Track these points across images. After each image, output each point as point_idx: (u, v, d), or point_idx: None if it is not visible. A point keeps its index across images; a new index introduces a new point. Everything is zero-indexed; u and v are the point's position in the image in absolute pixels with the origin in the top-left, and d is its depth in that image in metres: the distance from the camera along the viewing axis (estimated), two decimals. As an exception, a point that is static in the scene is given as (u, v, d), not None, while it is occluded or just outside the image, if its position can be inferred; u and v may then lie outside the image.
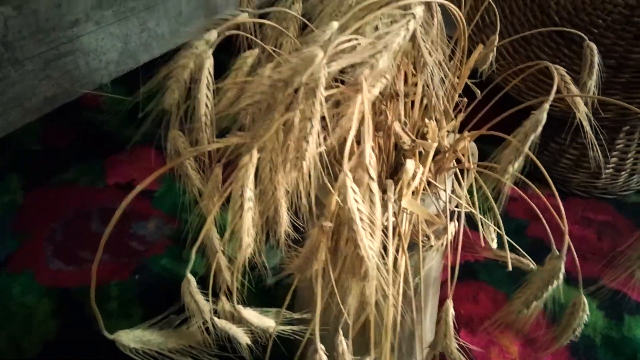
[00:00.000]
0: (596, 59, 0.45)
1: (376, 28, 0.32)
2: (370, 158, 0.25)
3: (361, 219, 0.24)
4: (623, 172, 0.81)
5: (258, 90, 0.30)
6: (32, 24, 0.43)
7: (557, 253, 0.32)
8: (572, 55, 0.72)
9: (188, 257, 0.35)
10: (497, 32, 0.47)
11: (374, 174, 0.25)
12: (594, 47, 0.45)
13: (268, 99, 0.30)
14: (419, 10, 0.29)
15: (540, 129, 0.31)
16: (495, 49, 0.47)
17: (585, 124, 0.36)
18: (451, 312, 0.35)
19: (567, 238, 0.34)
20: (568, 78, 0.38)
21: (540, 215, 0.42)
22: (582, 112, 0.36)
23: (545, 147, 0.83)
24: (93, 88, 0.52)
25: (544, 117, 0.31)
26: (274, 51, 0.38)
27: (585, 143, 0.81)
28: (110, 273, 0.75)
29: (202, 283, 0.77)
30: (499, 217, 0.39)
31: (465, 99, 0.44)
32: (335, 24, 0.29)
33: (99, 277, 0.75)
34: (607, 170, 0.81)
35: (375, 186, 0.25)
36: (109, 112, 1.03)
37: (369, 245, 0.24)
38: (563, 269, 0.32)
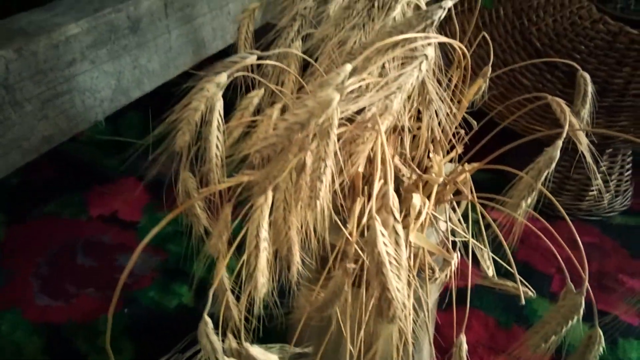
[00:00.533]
0: (589, 88, 0.47)
1: (382, 66, 0.33)
2: (394, 199, 0.25)
3: (390, 262, 0.24)
4: (607, 194, 0.84)
5: (273, 133, 0.30)
6: (32, 65, 0.43)
7: (573, 287, 0.32)
8: (555, 80, 0.74)
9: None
10: (490, 64, 0.49)
11: (398, 216, 0.25)
12: (587, 76, 0.47)
13: (284, 141, 0.30)
14: (431, 51, 0.29)
15: (554, 165, 0.31)
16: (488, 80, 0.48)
17: (588, 155, 0.37)
18: (464, 347, 0.35)
19: (586, 271, 0.34)
20: (567, 110, 0.39)
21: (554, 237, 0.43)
22: (584, 144, 0.37)
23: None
24: (88, 125, 0.51)
25: (557, 154, 0.32)
26: (278, 90, 0.38)
27: (567, 166, 0.84)
28: (98, 307, 0.73)
29: (191, 313, 0.76)
30: (508, 254, 0.39)
31: (464, 131, 0.45)
32: (348, 67, 0.29)
33: (86, 312, 0.73)
34: (591, 193, 0.83)
35: (400, 228, 0.25)
36: (89, 143, 1.02)
37: (397, 287, 0.24)
38: (583, 305, 0.32)
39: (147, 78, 0.57)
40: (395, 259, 0.24)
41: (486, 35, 0.44)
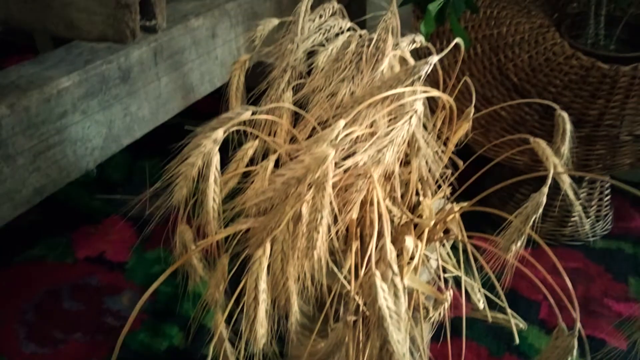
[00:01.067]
0: (568, 126, 0.49)
1: (373, 118, 0.34)
2: (392, 253, 0.26)
3: (390, 316, 0.24)
4: (588, 219, 0.86)
5: (271, 187, 0.31)
6: (24, 120, 0.43)
7: (565, 328, 0.33)
8: (532, 112, 0.77)
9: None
10: (473, 104, 0.51)
11: (396, 269, 0.26)
12: (566, 115, 0.49)
13: (280, 195, 0.31)
14: (420, 106, 0.31)
15: (540, 210, 0.33)
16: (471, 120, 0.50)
17: (571, 194, 0.39)
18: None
19: (577, 310, 0.35)
20: (549, 153, 0.41)
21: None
22: (567, 183, 0.39)
23: (510, 198, 0.87)
24: (79, 174, 0.51)
25: (544, 200, 0.33)
26: (271, 141, 0.39)
27: (549, 194, 0.86)
28: (86, 353, 0.72)
29: (183, 356, 0.75)
30: (498, 287, 0.40)
31: (450, 170, 0.46)
32: (342, 123, 0.31)
33: (75, 359, 0.71)
34: (573, 218, 0.85)
35: (398, 281, 0.26)
36: (74, 183, 1.01)
37: (398, 339, 0.25)
38: (576, 346, 0.33)
39: (138, 125, 0.58)
40: (395, 312, 0.25)
41: (468, 80, 0.46)
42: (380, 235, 0.27)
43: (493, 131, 0.80)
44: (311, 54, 0.45)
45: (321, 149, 0.30)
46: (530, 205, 0.33)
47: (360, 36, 0.44)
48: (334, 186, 0.33)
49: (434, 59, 0.33)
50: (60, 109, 0.48)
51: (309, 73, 0.44)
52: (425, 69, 0.33)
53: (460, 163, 0.47)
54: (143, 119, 0.58)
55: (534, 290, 0.82)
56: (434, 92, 0.33)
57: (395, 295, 0.25)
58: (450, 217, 0.44)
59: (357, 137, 0.34)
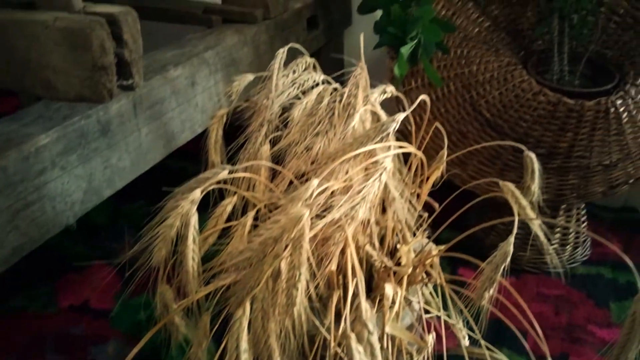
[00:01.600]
0: (536, 166, 0.51)
1: (347, 172, 0.36)
2: (367, 312, 0.27)
3: (368, 378, 0.25)
4: (567, 246, 0.88)
5: (248, 246, 0.32)
6: (2, 179, 0.43)
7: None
8: (506, 146, 0.79)
9: None
10: (446, 146, 0.52)
11: (372, 328, 0.27)
12: (533, 156, 0.51)
13: (258, 254, 0.32)
14: (389, 163, 0.32)
15: (509, 259, 0.34)
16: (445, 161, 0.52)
17: (541, 235, 0.40)
18: None
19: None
20: (517, 193, 0.42)
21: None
22: (537, 225, 0.41)
23: (492, 228, 0.89)
24: (59, 230, 0.51)
25: (511, 249, 0.34)
26: (250, 196, 0.40)
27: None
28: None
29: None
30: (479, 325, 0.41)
31: (426, 214, 0.47)
32: (315, 182, 0.32)
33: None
34: (553, 246, 0.87)
35: (375, 340, 0.27)
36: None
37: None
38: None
39: (119, 176, 0.58)
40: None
41: (439, 126, 0.48)
42: (355, 294, 0.28)
43: (470, 165, 0.82)
44: (288, 106, 0.46)
45: (296, 209, 0.31)
46: (498, 255, 0.34)
47: (335, 89, 0.46)
48: (312, 239, 0.34)
49: (401, 116, 0.35)
50: (38, 167, 0.49)
51: (285, 125, 0.45)
52: (393, 126, 0.34)
53: (436, 205, 0.49)
54: (124, 170, 0.59)
55: (519, 319, 0.83)
56: (404, 148, 0.35)
57: (372, 355, 0.26)
58: (429, 261, 0.45)
59: (333, 191, 0.35)
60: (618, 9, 0.82)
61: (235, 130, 0.45)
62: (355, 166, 0.35)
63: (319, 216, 0.35)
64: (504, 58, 0.81)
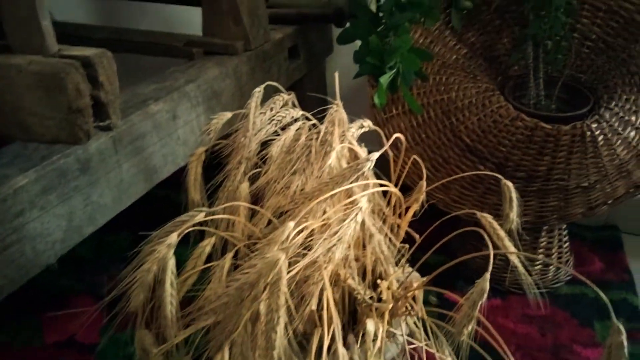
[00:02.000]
0: (514, 194, 0.52)
1: (324, 211, 0.36)
2: (344, 358, 0.27)
3: None
4: (550, 267, 0.88)
5: (225, 291, 0.32)
6: (-21, 224, 0.43)
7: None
8: (487, 171, 0.80)
9: None
10: (425, 178, 0.53)
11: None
12: (510, 184, 0.52)
13: (235, 300, 0.32)
14: (365, 202, 0.33)
15: (485, 295, 0.34)
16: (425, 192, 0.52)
17: (519, 266, 0.40)
18: None
19: None
20: (495, 224, 0.43)
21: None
22: (514, 257, 0.41)
23: (476, 251, 0.89)
24: (40, 270, 0.51)
25: (487, 286, 0.35)
26: (229, 236, 0.40)
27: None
28: None
29: None
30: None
31: (407, 245, 0.48)
32: (291, 224, 0.32)
33: None
34: (536, 267, 0.88)
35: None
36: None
37: None
38: None
39: (100, 213, 0.58)
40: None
41: (418, 159, 0.49)
42: (333, 338, 0.28)
43: (453, 189, 0.83)
44: (267, 142, 0.47)
45: (272, 254, 0.31)
46: (475, 292, 0.35)
47: (314, 125, 0.46)
48: (292, 278, 0.34)
49: (375, 155, 0.35)
50: (17, 208, 0.48)
51: (264, 161, 0.46)
52: (368, 165, 0.35)
53: (416, 237, 0.49)
54: (105, 207, 0.59)
55: (506, 341, 0.83)
56: (380, 186, 0.35)
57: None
58: (410, 294, 0.45)
59: (312, 230, 0.36)
60: (590, 35, 0.85)
61: (215, 167, 0.45)
62: (332, 205, 0.35)
63: (300, 254, 0.36)
64: (482, 84, 0.83)
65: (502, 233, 0.43)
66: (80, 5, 1.34)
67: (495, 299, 0.87)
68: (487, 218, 0.44)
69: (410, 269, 0.54)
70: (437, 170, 0.83)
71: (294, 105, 0.47)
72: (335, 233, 0.32)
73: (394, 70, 0.75)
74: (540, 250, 0.87)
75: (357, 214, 0.32)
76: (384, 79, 0.73)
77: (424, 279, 0.45)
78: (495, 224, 0.44)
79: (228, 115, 0.47)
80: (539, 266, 0.88)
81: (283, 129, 0.48)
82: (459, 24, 0.87)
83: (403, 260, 0.49)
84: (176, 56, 0.85)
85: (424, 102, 0.84)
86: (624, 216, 1.02)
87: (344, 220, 0.32)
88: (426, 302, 0.89)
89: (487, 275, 0.35)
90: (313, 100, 1.11)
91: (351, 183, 0.34)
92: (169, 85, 0.72)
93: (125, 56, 0.96)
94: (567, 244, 0.91)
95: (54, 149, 0.54)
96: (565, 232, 0.90)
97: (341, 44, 0.82)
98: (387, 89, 0.75)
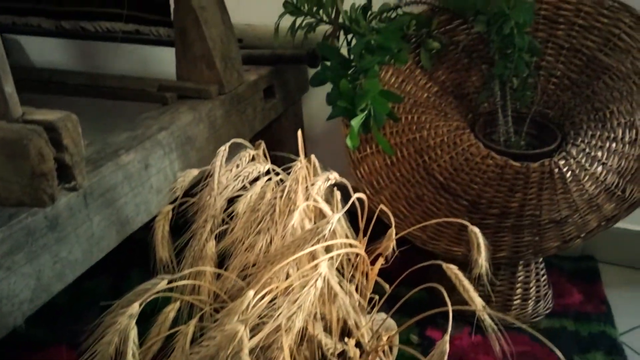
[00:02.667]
0: (481, 240, 0.52)
1: (287, 275, 0.36)
2: None
3: None
4: (529, 301, 0.89)
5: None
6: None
7: None
8: (461, 207, 0.81)
9: None
10: (393, 226, 0.54)
11: None
12: (477, 230, 0.53)
13: (196, 373, 0.32)
14: (325, 268, 0.33)
15: (445, 357, 0.34)
16: (394, 240, 0.53)
17: (487, 320, 0.41)
18: None
19: None
20: (461, 275, 0.43)
21: None
22: (479, 305, 0.41)
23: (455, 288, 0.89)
24: (7, 332, 0.50)
25: (446, 348, 0.35)
26: (194, 300, 0.40)
27: (490, 279, 0.89)
28: None
29: None
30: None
31: (377, 296, 0.48)
32: (250, 293, 0.32)
33: None
34: (515, 302, 0.88)
35: None
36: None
37: None
38: None
39: (70, 269, 0.57)
40: None
41: (385, 208, 0.49)
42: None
43: (429, 226, 0.84)
44: (235, 197, 0.47)
45: (231, 325, 0.31)
46: (436, 354, 0.35)
47: (281, 180, 0.47)
48: (254, 346, 0.34)
49: (336, 217, 0.35)
50: (-18, 271, 0.48)
51: (232, 218, 0.46)
52: (329, 227, 0.35)
53: (386, 287, 0.49)
54: (75, 262, 0.58)
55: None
56: (347, 248, 0.36)
57: None
58: (381, 346, 0.45)
59: (274, 297, 0.36)
60: (555, 72, 0.87)
61: (182, 226, 0.45)
62: (296, 268, 0.35)
63: (266, 316, 0.35)
64: (453, 122, 0.85)
65: (467, 284, 0.43)
66: (57, 46, 1.35)
67: (476, 336, 0.87)
68: (452, 269, 0.45)
69: (384, 316, 0.54)
70: (412, 207, 0.84)
71: (260, 159, 0.48)
72: (296, 301, 0.32)
73: (365, 112, 0.76)
74: (518, 285, 0.88)
75: (316, 280, 0.32)
76: (355, 122, 0.74)
77: (394, 331, 0.45)
78: (461, 275, 0.44)
79: (194, 172, 0.48)
80: (518, 301, 0.88)
81: (253, 181, 0.48)
82: (428, 63, 0.89)
83: (374, 311, 0.49)
84: (150, 101, 0.86)
85: (397, 141, 0.85)
86: (599, 247, 1.03)
87: (305, 286, 0.32)
88: (407, 341, 0.88)
89: (447, 337, 0.35)
90: (290, 140, 1.12)
91: (312, 246, 0.34)
92: (142, 133, 0.72)
93: (100, 101, 0.97)
94: (544, 277, 0.92)
95: (22, 208, 0.53)
96: (542, 266, 0.91)
97: (314, 86, 0.83)
98: (359, 130, 0.76)
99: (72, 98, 0.95)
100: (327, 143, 1.21)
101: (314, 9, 0.84)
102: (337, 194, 0.55)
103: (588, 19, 0.86)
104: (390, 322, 0.56)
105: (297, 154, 0.47)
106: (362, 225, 0.49)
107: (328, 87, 0.80)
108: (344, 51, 0.82)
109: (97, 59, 1.35)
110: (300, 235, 0.35)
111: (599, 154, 0.78)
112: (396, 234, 0.54)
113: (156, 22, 1.00)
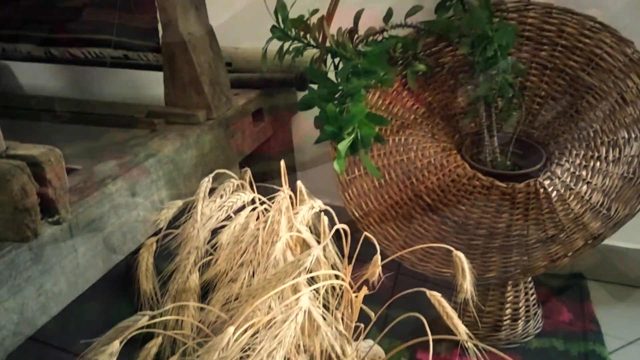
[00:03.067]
0: (465, 264, 0.53)
1: (270, 308, 0.36)
2: None
3: None
4: (519, 321, 0.89)
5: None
6: None
7: None
8: (449, 229, 0.81)
9: None
10: (379, 252, 0.54)
11: None
12: (462, 255, 0.53)
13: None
14: (306, 301, 0.33)
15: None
16: (380, 266, 0.53)
17: (471, 346, 0.41)
18: None
19: None
20: (444, 302, 0.43)
21: None
22: (462, 332, 0.41)
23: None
24: (-12, 369, 0.49)
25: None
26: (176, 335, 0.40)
27: (480, 300, 0.88)
28: None
29: None
30: None
31: (362, 325, 0.48)
32: (231, 330, 0.32)
33: None
34: (505, 322, 0.88)
35: None
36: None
37: None
38: None
39: (54, 301, 0.57)
40: None
41: (369, 236, 0.49)
42: None
43: (418, 248, 0.84)
44: (219, 228, 0.47)
45: (211, 364, 0.30)
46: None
47: (266, 210, 0.47)
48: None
49: (316, 250, 0.36)
50: (-36, 307, 0.47)
51: (215, 249, 0.46)
52: (310, 260, 0.35)
53: (372, 314, 0.49)
54: (60, 294, 0.58)
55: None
56: (331, 280, 0.36)
57: None
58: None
59: (257, 330, 0.35)
60: (539, 92, 0.89)
61: (166, 258, 0.45)
62: (278, 301, 0.35)
63: (248, 349, 0.35)
64: (440, 143, 0.85)
65: (450, 311, 0.43)
66: (47, 70, 1.36)
67: (467, 357, 0.86)
68: (435, 297, 0.45)
69: (371, 343, 0.54)
70: (400, 229, 0.84)
71: (250, 188, 0.48)
72: (277, 336, 0.32)
73: (352, 135, 0.76)
74: (508, 305, 0.88)
75: (297, 315, 0.32)
76: (342, 146, 0.74)
77: (382, 359, 0.45)
78: (444, 302, 0.44)
79: (179, 203, 0.48)
80: (508, 321, 0.88)
81: (238, 211, 0.48)
82: (415, 85, 0.90)
83: (361, 339, 0.48)
84: (138, 128, 0.86)
85: (384, 162, 0.86)
86: (588, 264, 1.04)
87: (286, 321, 0.32)
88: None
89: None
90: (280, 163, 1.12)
91: (294, 279, 0.35)
92: (129, 161, 0.72)
93: (89, 128, 0.97)
94: (534, 296, 0.92)
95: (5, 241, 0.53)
96: (531, 285, 0.91)
97: (302, 110, 0.84)
98: (347, 154, 0.76)
99: (61, 125, 0.95)
100: (318, 164, 1.21)
101: (301, 33, 0.85)
102: (325, 219, 0.55)
103: (570, 39, 0.87)
104: (378, 349, 0.56)
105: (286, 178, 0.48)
106: (346, 251, 0.49)
107: (317, 109, 0.80)
108: (332, 75, 0.83)
109: (87, 82, 1.35)
110: (282, 268, 0.35)
111: (584, 173, 0.79)
112: (385, 257, 0.55)
113: (145, 47, 1.01)
